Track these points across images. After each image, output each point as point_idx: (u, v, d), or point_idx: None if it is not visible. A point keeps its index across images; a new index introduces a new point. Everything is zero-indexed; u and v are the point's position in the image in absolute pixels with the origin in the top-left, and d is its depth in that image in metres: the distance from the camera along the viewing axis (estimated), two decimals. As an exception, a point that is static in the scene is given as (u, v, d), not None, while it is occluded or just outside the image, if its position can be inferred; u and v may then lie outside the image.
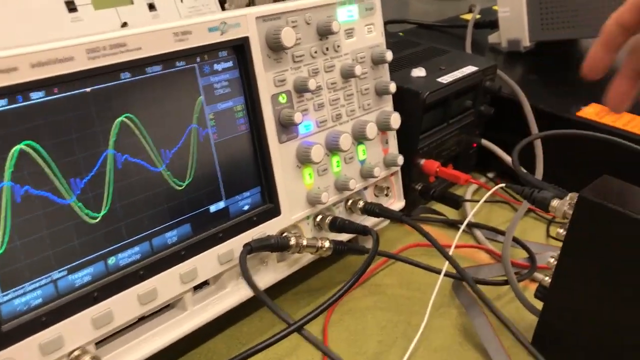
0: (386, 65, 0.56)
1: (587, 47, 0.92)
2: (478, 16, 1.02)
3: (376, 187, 0.58)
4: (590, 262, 0.43)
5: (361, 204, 0.54)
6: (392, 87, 0.55)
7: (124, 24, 1.02)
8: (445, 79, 0.63)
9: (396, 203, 0.60)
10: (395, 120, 0.56)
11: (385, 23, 1.04)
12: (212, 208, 0.45)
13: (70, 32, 0.95)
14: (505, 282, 0.54)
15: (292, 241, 0.46)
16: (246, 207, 0.47)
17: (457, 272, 0.49)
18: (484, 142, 0.73)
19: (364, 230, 0.50)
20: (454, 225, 0.66)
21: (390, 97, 0.57)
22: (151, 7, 1.07)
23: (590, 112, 0.70)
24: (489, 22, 0.93)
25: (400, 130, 0.58)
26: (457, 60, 0.68)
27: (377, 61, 0.55)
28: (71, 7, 0.97)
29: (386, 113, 0.56)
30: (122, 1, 1.05)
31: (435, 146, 0.65)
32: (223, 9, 0.99)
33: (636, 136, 0.64)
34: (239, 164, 0.46)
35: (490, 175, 0.76)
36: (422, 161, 0.64)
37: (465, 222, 0.55)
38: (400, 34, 0.94)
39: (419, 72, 0.63)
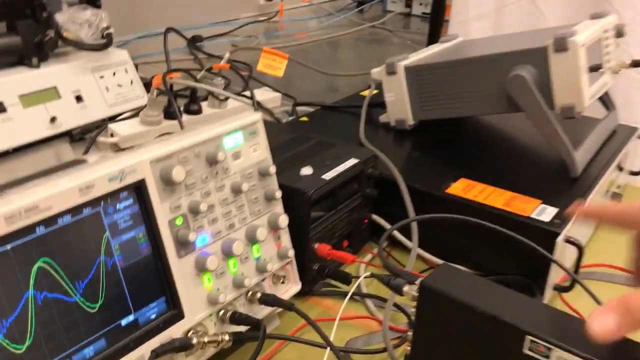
0: (273, 175, 0.67)
1: (468, 123, 1.07)
2: (375, 91, 1.15)
3: (274, 276, 0.69)
4: (435, 340, 0.54)
5: (259, 295, 0.64)
6: (278, 194, 0.66)
7: (53, 119, 1.11)
8: (330, 174, 0.74)
9: (293, 288, 0.71)
10: (283, 220, 0.66)
11: (294, 105, 1.17)
12: (123, 322, 0.54)
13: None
14: (383, 350, 0.65)
15: (195, 340, 0.56)
16: (153, 316, 0.56)
17: (327, 345, 0.59)
18: (374, 217, 0.85)
19: (256, 324, 0.60)
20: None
21: (279, 201, 0.68)
22: (78, 99, 1.16)
23: (458, 187, 0.82)
24: (382, 102, 1.06)
25: (292, 223, 0.68)
26: (341, 154, 0.80)
27: (263, 174, 0.66)
28: (0, 109, 1.05)
29: (276, 214, 0.67)
30: (50, 97, 1.13)
31: (327, 230, 0.76)
32: (148, 91, 1.06)
33: (492, 209, 0.77)
34: (144, 281, 0.55)
35: (384, 244, 0.87)
36: (316, 245, 0.75)
37: (348, 296, 0.67)
38: (304, 119, 1.06)
39: (306, 170, 0.74)
